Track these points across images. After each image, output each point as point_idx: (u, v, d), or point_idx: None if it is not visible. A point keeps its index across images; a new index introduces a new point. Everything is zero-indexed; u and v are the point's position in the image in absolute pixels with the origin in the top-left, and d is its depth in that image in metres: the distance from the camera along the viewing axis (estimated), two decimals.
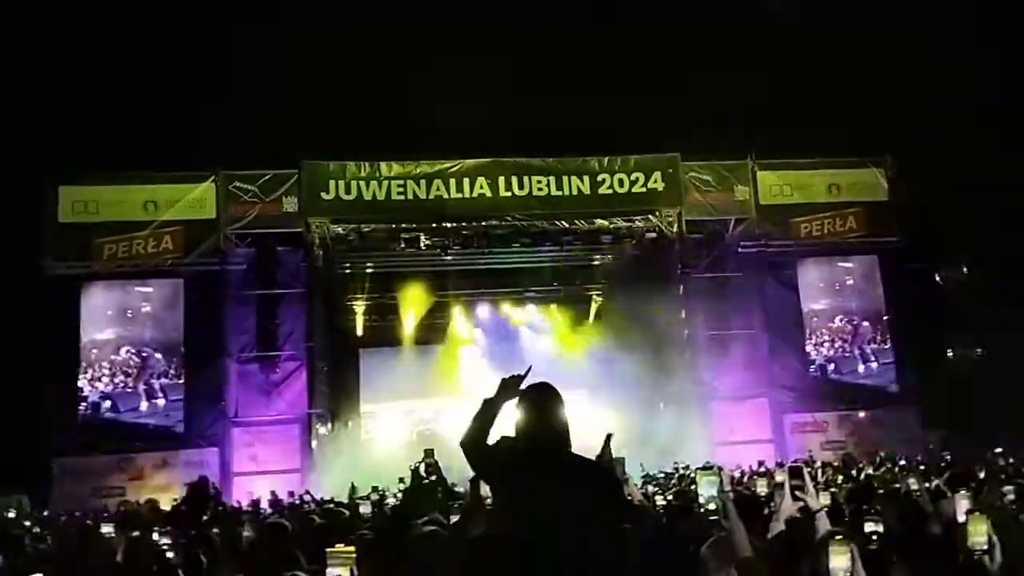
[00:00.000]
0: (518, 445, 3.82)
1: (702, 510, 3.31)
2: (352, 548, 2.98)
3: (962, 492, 4.93)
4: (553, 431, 3.82)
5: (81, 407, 18.26)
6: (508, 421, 3.96)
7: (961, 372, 17.36)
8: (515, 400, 3.89)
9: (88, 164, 18.51)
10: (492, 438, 3.94)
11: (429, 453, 5.73)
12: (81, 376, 18.37)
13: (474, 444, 3.89)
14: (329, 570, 2.94)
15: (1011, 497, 5.36)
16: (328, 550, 2.97)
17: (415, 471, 6.66)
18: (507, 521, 3.75)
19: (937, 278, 17.03)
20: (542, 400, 3.90)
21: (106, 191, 18.90)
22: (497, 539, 3.83)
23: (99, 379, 18.53)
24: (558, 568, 3.31)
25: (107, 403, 18.45)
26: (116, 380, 18.61)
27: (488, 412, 3.91)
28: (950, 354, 17.29)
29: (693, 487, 9.75)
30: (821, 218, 20.79)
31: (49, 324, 18.22)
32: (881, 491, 6.74)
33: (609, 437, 4.08)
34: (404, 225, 19.85)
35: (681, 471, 14.35)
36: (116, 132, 17.87)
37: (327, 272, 19.99)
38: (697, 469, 3.33)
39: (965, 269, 16.90)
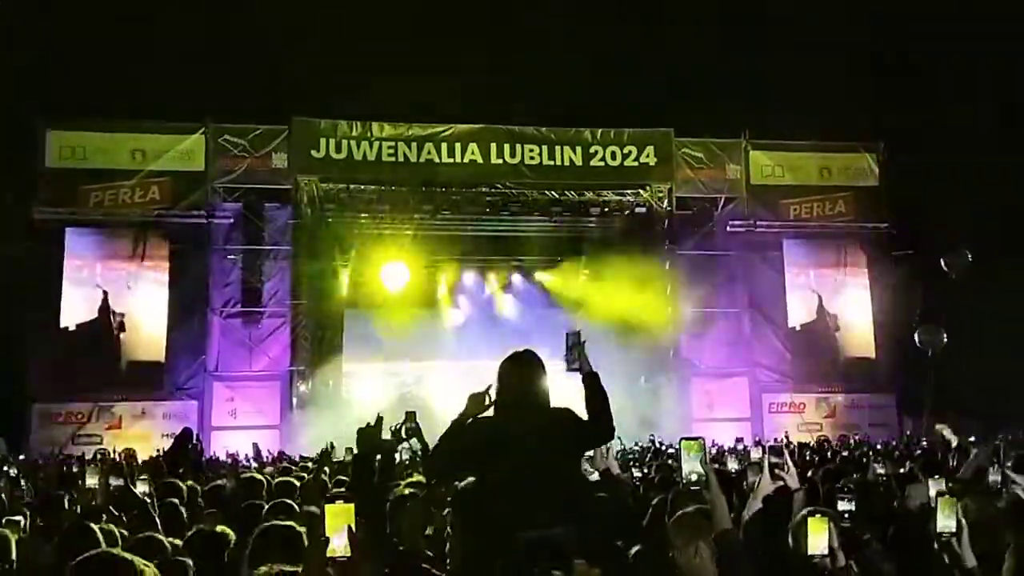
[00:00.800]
0: (496, 422, 3.91)
1: (683, 480, 3.34)
2: (351, 506, 2.97)
3: (935, 477, 5.01)
4: (530, 398, 3.92)
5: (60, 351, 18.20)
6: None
7: (939, 359, 17.49)
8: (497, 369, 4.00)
9: (79, 110, 18.30)
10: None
11: (411, 416, 5.74)
12: (63, 320, 18.29)
13: (442, 460, 4.06)
14: (329, 528, 2.95)
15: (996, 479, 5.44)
16: (328, 507, 2.96)
17: (395, 432, 6.67)
18: (486, 477, 3.85)
19: (943, 264, 17.06)
20: (522, 367, 3.99)
21: (95, 138, 18.72)
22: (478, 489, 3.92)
23: (83, 324, 18.47)
24: (531, 516, 3.37)
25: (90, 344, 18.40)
26: (96, 327, 18.55)
27: (457, 428, 3.99)
28: (919, 338, 17.38)
29: (671, 461, 9.86)
30: (811, 201, 20.86)
31: (32, 269, 18.10)
32: (855, 475, 6.82)
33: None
34: (393, 187, 19.77)
35: (657, 445, 14.49)
36: (108, 79, 17.61)
37: (314, 230, 19.87)
38: (680, 439, 3.37)
39: (970, 256, 16.94)
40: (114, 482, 5.11)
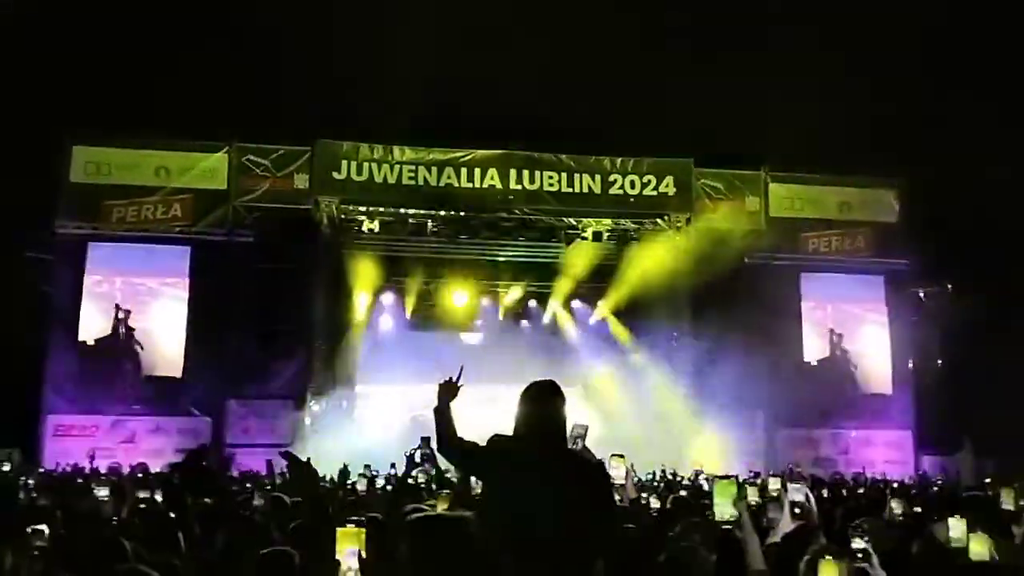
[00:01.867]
0: (512, 440, 3.93)
1: (716, 519, 3.34)
2: (362, 530, 3.01)
3: (956, 517, 4.95)
4: (548, 426, 3.93)
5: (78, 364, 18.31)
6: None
7: (956, 397, 17.39)
8: (519, 397, 4.04)
9: (104, 126, 18.51)
10: (484, 438, 4.07)
11: (426, 441, 5.79)
12: (81, 334, 18.42)
13: (446, 446, 4.16)
14: (340, 550, 2.98)
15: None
16: (339, 530, 3.00)
17: (410, 457, 6.72)
18: (495, 509, 3.85)
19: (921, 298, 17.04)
20: (540, 397, 4.01)
21: (119, 154, 18.94)
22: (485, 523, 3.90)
23: (101, 338, 18.59)
24: (539, 554, 3.38)
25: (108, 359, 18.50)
26: (114, 342, 18.67)
27: (441, 417, 4.17)
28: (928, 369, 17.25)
29: (683, 493, 9.79)
30: (830, 235, 20.82)
31: (53, 283, 18.28)
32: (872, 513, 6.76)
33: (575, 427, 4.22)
34: (412, 211, 19.88)
35: (670, 477, 14.42)
36: (133, 96, 17.84)
37: (333, 251, 19.99)
38: (715, 477, 3.41)
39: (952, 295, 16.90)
40: (141, 495, 5.12)
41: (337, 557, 2.98)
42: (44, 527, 4.52)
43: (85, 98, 17.79)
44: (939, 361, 19.37)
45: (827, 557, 3.26)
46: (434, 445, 4.93)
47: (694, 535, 4.35)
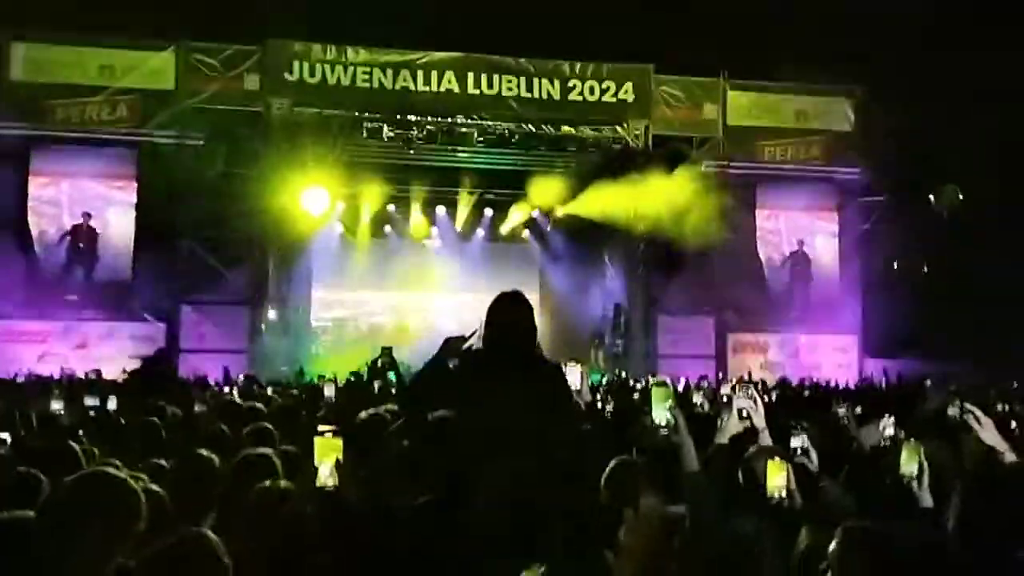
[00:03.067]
0: (483, 353, 4.07)
1: (652, 423, 3.44)
2: (340, 440, 3.07)
3: (887, 418, 5.16)
4: (516, 337, 4.05)
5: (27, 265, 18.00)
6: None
7: (905, 304, 17.86)
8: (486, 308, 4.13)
9: (44, 23, 17.73)
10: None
11: (386, 351, 5.82)
12: (28, 238, 18.04)
13: (422, 396, 4.25)
14: (318, 459, 3.05)
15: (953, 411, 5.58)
16: (316, 439, 3.06)
17: (372, 365, 6.76)
18: (470, 414, 3.99)
19: (931, 201, 17.16)
20: (508, 308, 4.12)
21: (61, 51, 18.23)
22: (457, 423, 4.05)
23: (49, 242, 18.24)
24: (509, 450, 3.48)
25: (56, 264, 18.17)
26: (62, 246, 18.34)
27: (441, 364, 4.17)
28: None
29: (635, 396, 10.03)
30: (785, 143, 20.91)
31: None
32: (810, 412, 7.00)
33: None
34: (367, 114, 19.50)
35: (623, 379, 14.74)
36: None
37: (285, 155, 19.60)
38: (651, 383, 3.53)
39: (960, 195, 17.04)
40: (89, 401, 5.10)
41: (316, 464, 3.05)
42: (6, 435, 4.51)
43: None
44: (893, 267, 19.78)
45: (774, 460, 3.40)
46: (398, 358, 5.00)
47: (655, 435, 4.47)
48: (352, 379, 9.73)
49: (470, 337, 4.19)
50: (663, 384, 3.58)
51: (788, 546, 3.03)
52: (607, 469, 3.67)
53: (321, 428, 3.35)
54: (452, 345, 4.20)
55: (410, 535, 3.18)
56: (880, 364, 18.39)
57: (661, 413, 3.42)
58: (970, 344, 16.08)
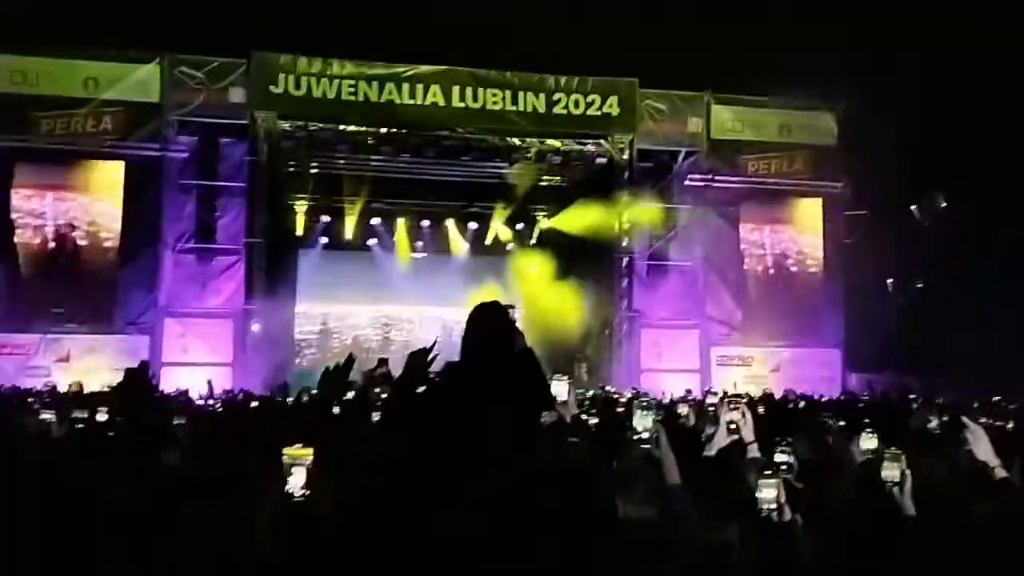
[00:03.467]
0: (462, 365, 4.06)
1: (635, 438, 3.47)
2: (309, 450, 3.05)
3: (868, 432, 5.20)
4: (496, 346, 4.04)
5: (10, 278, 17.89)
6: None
7: (888, 318, 17.98)
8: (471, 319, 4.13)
9: (29, 33, 17.66)
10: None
11: (383, 362, 5.81)
12: (11, 251, 17.94)
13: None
14: (286, 470, 3.03)
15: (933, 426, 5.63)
16: (285, 450, 3.04)
17: (367, 375, 6.72)
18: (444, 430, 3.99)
19: (913, 211, 17.26)
20: (488, 315, 4.11)
21: (46, 63, 18.14)
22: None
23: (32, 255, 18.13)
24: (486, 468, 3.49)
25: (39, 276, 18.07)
26: (46, 259, 18.23)
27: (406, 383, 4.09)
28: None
29: (620, 410, 10.03)
30: (769, 158, 21.05)
31: None
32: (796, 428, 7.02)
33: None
34: (352, 128, 19.53)
35: (607, 394, 14.74)
36: (62, 3, 17.05)
37: (270, 168, 19.59)
38: (632, 399, 3.59)
39: (944, 204, 17.14)
40: (77, 414, 5.08)
41: (285, 475, 3.03)
42: None
43: (9, 4, 16.95)
44: (876, 281, 19.92)
45: (766, 473, 3.44)
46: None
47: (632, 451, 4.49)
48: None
49: (431, 348, 4.20)
50: (645, 399, 3.62)
51: (770, 555, 3.05)
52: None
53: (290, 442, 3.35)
54: (416, 360, 4.21)
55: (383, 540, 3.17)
56: (864, 378, 18.51)
57: (643, 422, 3.46)
58: (954, 358, 16.19)
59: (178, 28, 17.85)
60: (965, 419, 4.04)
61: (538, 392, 4.27)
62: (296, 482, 3.03)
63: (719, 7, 18.17)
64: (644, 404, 3.57)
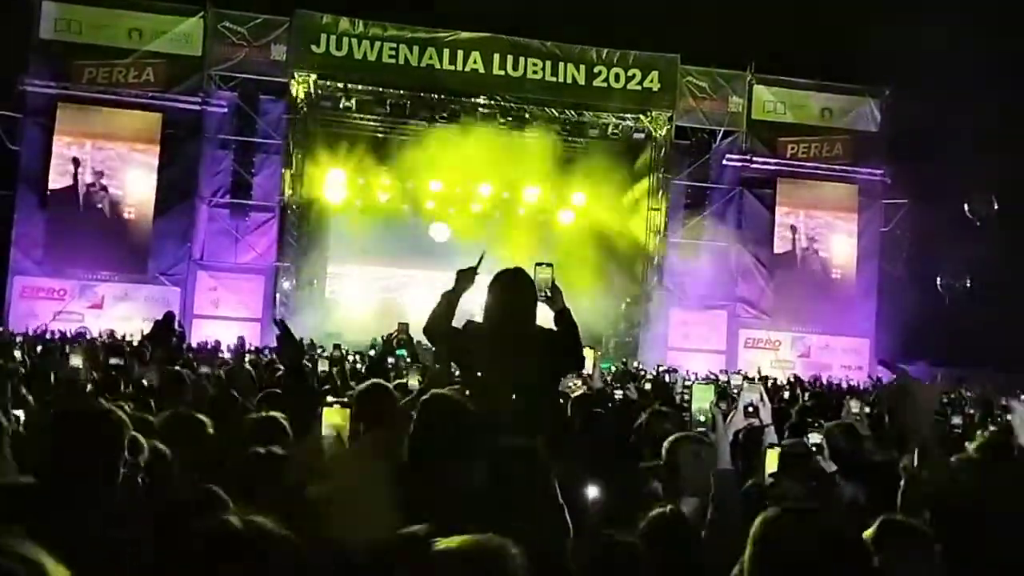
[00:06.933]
0: (484, 326, 4.17)
1: (692, 420, 3.52)
2: (347, 410, 3.11)
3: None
4: (515, 313, 4.13)
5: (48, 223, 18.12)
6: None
7: (922, 309, 17.75)
8: (487, 284, 4.22)
9: None
10: (458, 322, 4.31)
11: (403, 328, 5.86)
12: (49, 197, 18.16)
13: (438, 329, 4.37)
14: (324, 431, 3.09)
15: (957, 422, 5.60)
16: (325, 410, 3.10)
17: (387, 340, 6.79)
18: (472, 385, 4.09)
19: (966, 210, 16.99)
20: (508, 284, 4.21)
21: (91, 12, 18.28)
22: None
23: (69, 200, 18.35)
24: (511, 430, 3.52)
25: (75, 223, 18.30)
26: (83, 206, 18.45)
27: (448, 301, 4.37)
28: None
29: (647, 385, 10.04)
30: (809, 141, 20.77)
31: (21, 142, 17.92)
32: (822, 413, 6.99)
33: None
34: (391, 90, 19.50)
35: (632, 370, 14.75)
36: None
37: (307, 128, 19.68)
38: (694, 383, 3.71)
39: (996, 204, 16.85)
40: (113, 361, 5.16)
41: (323, 433, 3.09)
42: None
43: None
44: (904, 272, 19.65)
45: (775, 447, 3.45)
46: (418, 330, 5.06)
47: (664, 424, 4.50)
48: (367, 355, 9.78)
49: (479, 264, 4.40)
50: (706, 382, 3.66)
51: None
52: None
53: (330, 399, 3.39)
54: (464, 275, 4.40)
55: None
56: (898, 368, 18.33)
57: (702, 412, 3.50)
58: (989, 350, 15.99)
59: None
60: (1014, 402, 3.97)
61: (572, 350, 4.35)
62: (330, 441, 3.09)
63: None
64: (704, 387, 3.61)
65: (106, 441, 2.69)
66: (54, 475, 2.60)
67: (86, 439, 2.66)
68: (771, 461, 3.43)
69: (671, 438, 3.75)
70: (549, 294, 4.28)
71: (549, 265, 4.35)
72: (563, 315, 4.33)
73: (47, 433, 2.74)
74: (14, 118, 17.82)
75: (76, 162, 18.38)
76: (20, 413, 4.26)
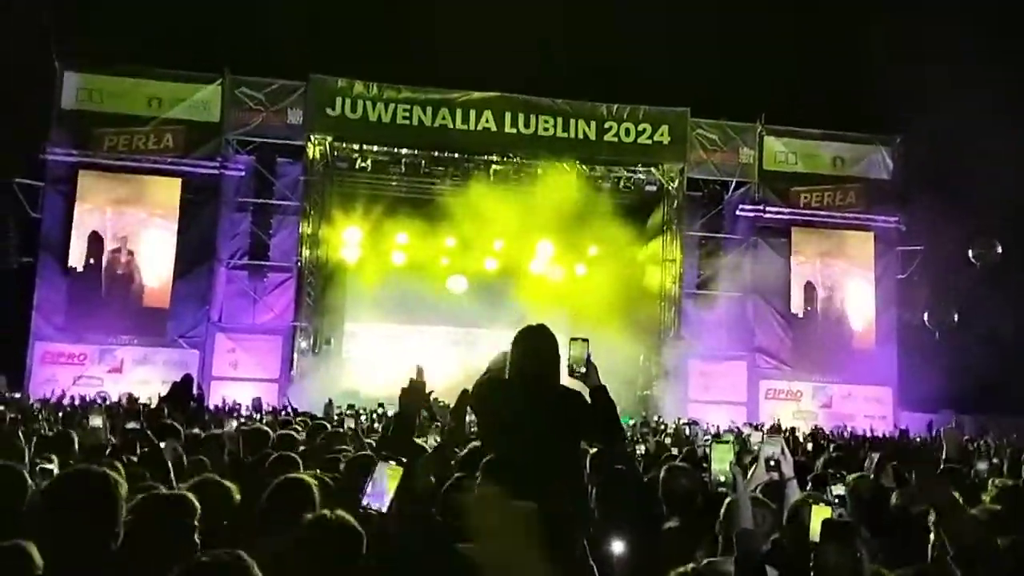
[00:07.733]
0: (507, 376, 4.09)
1: (712, 480, 3.47)
2: (401, 469, 3.14)
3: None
4: (540, 366, 4.04)
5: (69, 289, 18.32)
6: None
7: (943, 357, 17.57)
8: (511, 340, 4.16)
9: (97, 53, 18.25)
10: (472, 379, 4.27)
11: (420, 371, 5.85)
12: (70, 262, 18.39)
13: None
14: (375, 486, 3.13)
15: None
16: (386, 468, 3.13)
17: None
18: (490, 444, 4.04)
19: (970, 255, 16.98)
20: (531, 339, 4.14)
21: (112, 82, 18.73)
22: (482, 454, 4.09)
23: (90, 266, 18.57)
24: (528, 483, 3.49)
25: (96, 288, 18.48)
26: (103, 271, 18.65)
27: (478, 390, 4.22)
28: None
29: (667, 439, 9.96)
30: (822, 190, 20.82)
31: (43, 209, 18.22)
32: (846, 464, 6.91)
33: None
34: (405, 151, 19.76)
35: (652, 424, 14.64)
36: (127, 23, 17.56)
37: (324, 189, 19.93)
38: (712, 438, 3.63)
39: (999, 249, 16.82)
40: (130, 425, 5.17)
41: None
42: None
43: (78, 24, 17.50)
44: (923, 319, 19.46)
45: (820, 504, 3.38)
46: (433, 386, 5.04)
47: (681, 479, 4.47)
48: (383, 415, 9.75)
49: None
50: (726, 440, 3.60)
51: None
52: None
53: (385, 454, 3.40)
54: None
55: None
56: (917, 417, 18.11)
57: (722, 471, 3.44)
58: (1013, 397, 15.77)
59: (240, 50, 18.27)
60: None
61: (608, 428, 4.22)
62: (383, 500, 3.12)
63: (773, 36, 18.10)
64: (723, 446, 3.55)
65: (104, 503, 2.70)
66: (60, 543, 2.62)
67: (84, 502, 2.69)
68: (815, 522, 3.27)
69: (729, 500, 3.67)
70: (584, 370, 4.07)
71: (585, 340, 4.14)
72: (599, 392, 4.12)
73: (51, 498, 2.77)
74: (36, 187, 18.13)
75: (97, 228, 18.64)
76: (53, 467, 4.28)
